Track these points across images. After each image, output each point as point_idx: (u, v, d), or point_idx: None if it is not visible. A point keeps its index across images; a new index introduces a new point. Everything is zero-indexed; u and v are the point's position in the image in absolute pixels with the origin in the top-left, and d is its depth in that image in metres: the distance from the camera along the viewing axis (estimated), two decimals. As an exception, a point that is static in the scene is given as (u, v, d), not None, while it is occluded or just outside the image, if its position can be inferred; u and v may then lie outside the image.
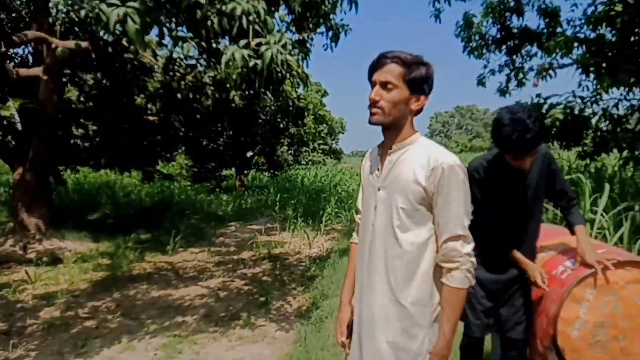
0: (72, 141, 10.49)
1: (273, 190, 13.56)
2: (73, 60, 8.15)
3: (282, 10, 4.97)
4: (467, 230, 1.39)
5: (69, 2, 3.70)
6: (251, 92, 8.89)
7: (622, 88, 5.39)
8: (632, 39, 5.68)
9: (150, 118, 10.92)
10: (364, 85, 1.48)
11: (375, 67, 1.43)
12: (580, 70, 5.67)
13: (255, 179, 18.92)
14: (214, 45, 4.49)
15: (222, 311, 4.32)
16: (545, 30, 8.51)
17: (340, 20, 5.55)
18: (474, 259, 1.39)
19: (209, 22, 3.63)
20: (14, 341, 3.57)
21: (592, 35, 6.82)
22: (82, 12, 3.34)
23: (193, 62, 7.37)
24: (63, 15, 4.39)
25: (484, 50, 9.28)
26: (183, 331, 3.79)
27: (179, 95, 10.02)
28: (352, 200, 11.87)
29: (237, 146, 14.78)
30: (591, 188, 4.83)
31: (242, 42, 3.54)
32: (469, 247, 1.38)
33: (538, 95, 6.17)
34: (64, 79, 8.79)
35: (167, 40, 4.08)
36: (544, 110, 5.87)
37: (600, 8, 6.57)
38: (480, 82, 9.63)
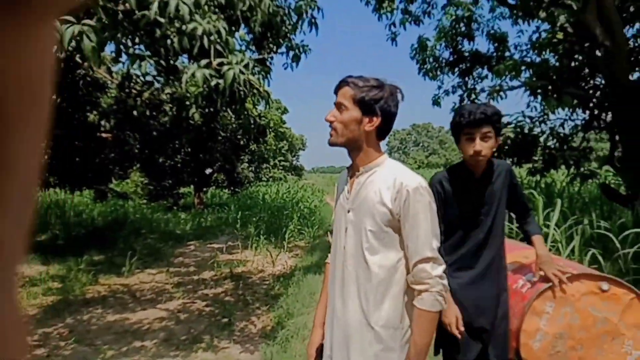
0: (18, 159, 9.95)
1: (234, 207, 13.36)
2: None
3: (242, 30, 5.00)
4: (436, 252, 1.39)
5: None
6: (211, 109, 8.83)
7: (566, 109, 5.77)
8: (573, 64, 6.11)
9: (104, 135, 10.56)
10: (325, 103, 1.53)
11: (335, 90, 1.49)
12: (528, 92, 6.02)
13: (215, 196, 18.59)
14: (172, 63, 4.44)
15: (183, 334, 4.18)
16: (494, 54, 8.99)
17: (300, 41, 5.65)
18: (445, 282, 1.39)
19: (168, 41, 3.59)
20: (-46, 376, 3.30)
21: (538, 59, 7.28)
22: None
23: (150, 79, 7.23)
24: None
25: (438, 72, 9.66)
26: (142, 356, 3.64)
27: (135, 112, 9.79)
28: (314, 217, 11.89)
29: (196, 163, 14.51)
30: (543, 203, 5.09)
31: (204, 62, 3.52)
32: (440, 270, 1.38)
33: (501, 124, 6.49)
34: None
35: (124, 57, 4.01)
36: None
37: (544, 35, 7.04)
38: (436, 102, 9.99)
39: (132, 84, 8.08)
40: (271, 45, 5.47)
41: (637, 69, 5.77)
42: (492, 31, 8.92)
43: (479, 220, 2.00)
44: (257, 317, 4.64)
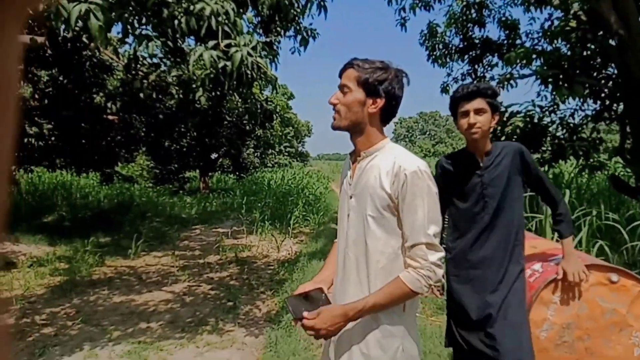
0: (25, 140, 9.99)
1: (239, 192, 13.40)
2: (27, 55, 7.77)
3: (250, 13, 4.93)
4: (432, 237, 1.34)
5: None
6: (217, 93, 8.78)
7: (577, 99, 5.67)
8: (585, 53, 5.99)
9: (110, 117, 10.56)
10: (331, 88, 1.50)
11: (340, 73, 1.47)
12: (539, 80, 5.92)
13: (220, 181, 18.64)
14: (179, 44, 4.39)
15: (189, 317, 4.21)
16: (505, 42, 8.83)
17: (309, 24, 5.58)
18: (439, 272, 1.34)
19: (175, 22, 3.55)
20: (-37, 352, 3.35)
21: (549, 48, 7.14)
22: (40, 6, 3.19)
23: (157, 61, 7.18)
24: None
25: (447, 59, 9.51)
26: (148, 337, 3.68)
27: (141, 95, 9.75)
28: (319, 203, 11.90)
29: (202, 147, 14.52)
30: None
31: (211, 43, 3.48)
32: (436, 256, 1.34)
33: (500, 104, 6.41)
34: (18, 75, 8.35)
35: (130, 38, 3.97)
36: (505, 118, 6.09)
37: (556, 23, 6.90)
38: (444, 89, 9.86)
39: (138, 66, 8.02)
40: (279, 29, 5.40)
41: (651, 59, 5.65)
42: (503, 18, 8.76)
43: (484, 203, 1.95)
44: (262, 302, 4.67)
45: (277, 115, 17.87)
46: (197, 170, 15.86)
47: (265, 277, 5.64)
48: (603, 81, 6.00)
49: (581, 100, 5.98)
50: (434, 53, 9.43)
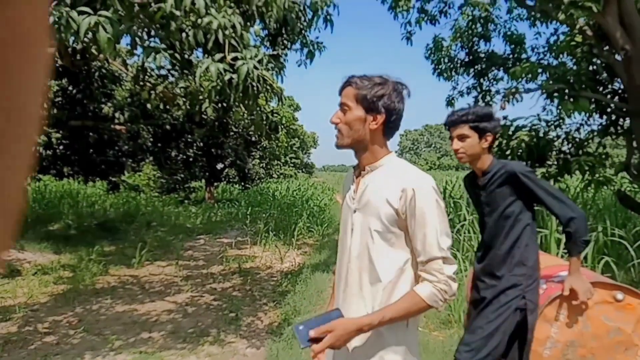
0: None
1: (244, 203, 13.42)
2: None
3: (257, 26, 4.99)
4: (445, 251, 1.34)
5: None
6: (224, 104, 8.85)
7: (583, 113, 5.65)
8: (591, 68, 5.99)
9: (118, 127, 10.65)
10: (338, 100, 1.50)
11: (339, 91, 1.47)
12: (544, 95, 5.91)
13: (226, 191, 18.68)
14: (187, 57, 4.44)
15: (191, 327, 4.20)
16: (511, 56, 8.86)
17: (315, 37, 5.63)
18: (454, 285, 1.34)
19: (183, 35, 3.60)
20: (-35, 360, 3.36)
21: (555, 62, 7.15)
22: (50, 18, 3.25)
23: (165, 72, 7.26)
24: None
25: (453, 73, 9.53)
26: (149, 348, 3.66)
27: (148, 106, 9.85)
28: (324, 215, 11.88)
29: (208, 158, 14.60)
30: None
31: (218, 56, 3.52)
32: (451, 270, 1.34)
33: (505, 118, 6.40)
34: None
35: (138, 50, 4.03)
36: (510, 132, 6.08)
37: (562, 38, 6.92)
38: (450, 102, 9.88)
39: (146, 77, 8.12)
40: (285, 42, 5.46)
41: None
42: (509, 32, 8.79)
43: (484, 222, 2.13)
44: (264, 313, 4.65)
45: (283, 126, 17.95)
46: (203, 180, 15.93)
47: (268, 288, 5.62)
48: (609, 96, 5.99)
49: (587, 114, 5.96)
50: (440, 67, 9.45)
